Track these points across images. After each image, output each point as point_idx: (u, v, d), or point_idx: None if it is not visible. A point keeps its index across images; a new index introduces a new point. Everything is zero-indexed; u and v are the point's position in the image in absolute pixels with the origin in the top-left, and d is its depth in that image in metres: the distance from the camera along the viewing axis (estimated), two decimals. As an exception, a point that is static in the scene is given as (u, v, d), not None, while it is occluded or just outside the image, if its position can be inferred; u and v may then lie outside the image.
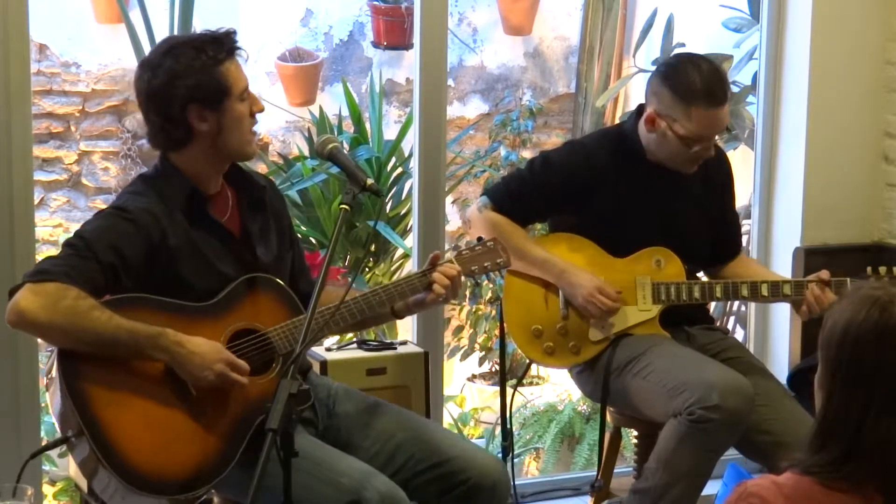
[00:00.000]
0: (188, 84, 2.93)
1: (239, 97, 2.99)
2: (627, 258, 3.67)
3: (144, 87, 2.99)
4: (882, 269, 3.59)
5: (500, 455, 3.79)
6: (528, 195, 3.69)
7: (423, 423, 3.19)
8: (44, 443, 3.64)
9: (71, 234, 2.95)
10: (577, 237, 3.69)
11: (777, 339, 4.69)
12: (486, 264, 3.23)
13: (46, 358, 5.04)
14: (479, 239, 3.28)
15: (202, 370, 2.83)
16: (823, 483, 2.04)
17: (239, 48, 3.03)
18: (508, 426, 3.79)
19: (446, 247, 4.81)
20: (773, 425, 3.51)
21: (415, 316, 4.17)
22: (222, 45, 2.98)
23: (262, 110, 3.07)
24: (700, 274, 3.85)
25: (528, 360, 3.98)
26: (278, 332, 2.97)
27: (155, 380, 2.85)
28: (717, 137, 3.67)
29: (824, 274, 3.58)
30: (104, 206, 3.08)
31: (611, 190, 3.65)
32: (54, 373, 2.84)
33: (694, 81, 3.52)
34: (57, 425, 2.90)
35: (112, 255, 2.85)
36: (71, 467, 3.83)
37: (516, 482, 4.02)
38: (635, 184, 3.66)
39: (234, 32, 3.04)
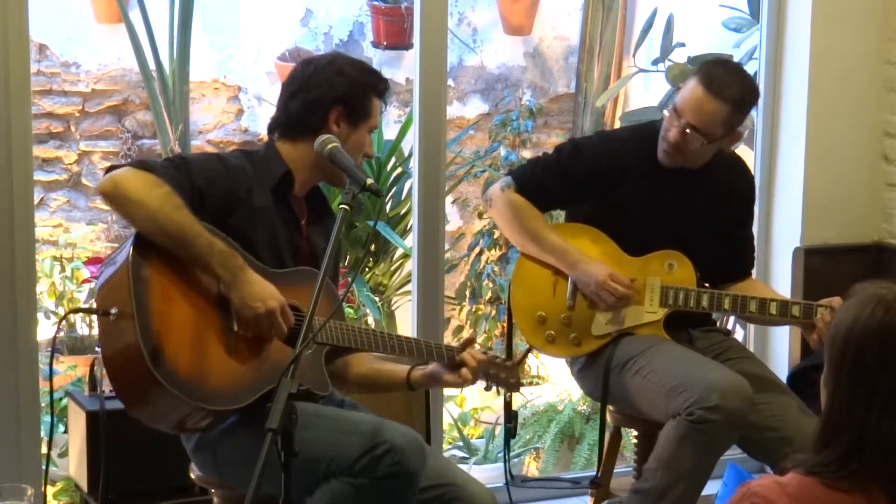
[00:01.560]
0: (348, 88, 3.14)
1: (369, 129, 3.19)
2: (641, 258, 3.67)
3: (306, 74, 3.18)
4: None
5: (500, 452, 3.78)
6: (553, 181, 3.68)
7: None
8: (44, 444, 3.64)
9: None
10: (595, 230, 3.69)
11: (777, 339, 4.69)
12: (501, 375, 3.26)
13: (46, 358, 5.03)
14: (505, 359, 3.30)
15: (254, 300, 2.91)
16: (827, 483, 2.04)
17: (389, 97, 3.28)
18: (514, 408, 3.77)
19: (446, 246, 4.81)
20: (776, 421, 3.51)
21: (414, 316, 4.18)
22: (382, 82, 3.22)
23: (372, 157, 3.30)
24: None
25: (526, 347, 3.99)
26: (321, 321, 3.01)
27: (209, 301, 2.95)
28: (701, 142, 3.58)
29: (836, 301, 3.52)
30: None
31: (632, 186, 3.65)
32: (123, 252, 2.90)
33: (715, 65, 3.62)
34: (96, 300, 2.97)
35: (203, 182, 2.98)
36: (71, 467, 3.83)
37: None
38: (655, 183, 3.65)
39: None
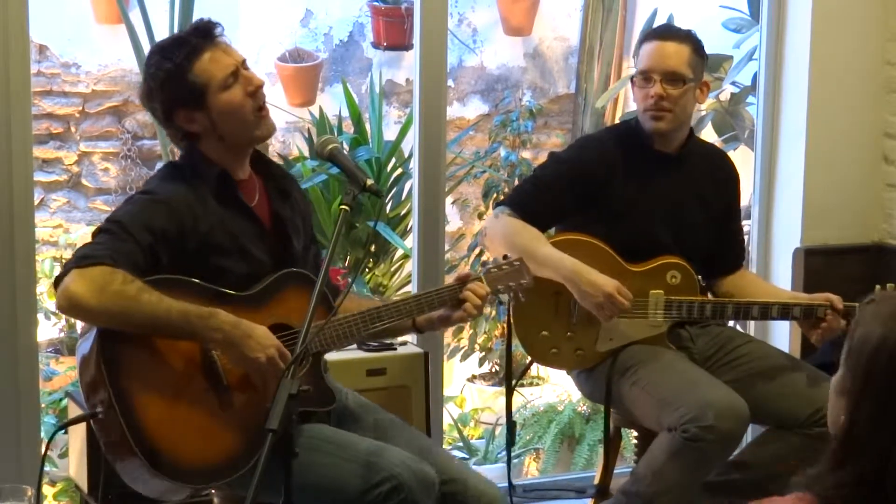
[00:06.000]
0: (162, 95, 2.95)
1: (222, 87, 2.94)
2: (642, 269, 3.63)
3: (142, 93, 3.03)
4: (890, 286, 3.54)
5: (502, 452, 3.79)
6: (542, 195, 3.64)
7: (430, 443, 3.21)
8: (44, 443, 3.64)
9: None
10: (592, 241, 3.63)
11: (777, 339, 4.69)
12: (510, 284, 3.19)
13: (46, 358, 5.03)
14: (506, 257, 3.23)
15: (256, 352, 2.80)
16: None
17: (214, 36, 2.95)
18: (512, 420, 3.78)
19: (446, 247, 4.81)
20: (788, 399, 3.56)
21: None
22: (188, 43, 2.94)
23: (258, 87, 2.98)
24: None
25: (528, 360, 3.97)
26: (313, 331, 2.88)
27: (190, 367, 2.85)
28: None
29: (837, 301, 3.55)
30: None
31: (621, 181, 3.64)
32: (90, 345, 2.81)
33: (653, 29, 3.83)
34: (85, 398, 2.88)
35: (149, 236, 2.84)
36: (71, 467, 3.83)
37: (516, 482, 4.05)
38: (642, 173, 3.66)
39: (208, 22, 2.97)
